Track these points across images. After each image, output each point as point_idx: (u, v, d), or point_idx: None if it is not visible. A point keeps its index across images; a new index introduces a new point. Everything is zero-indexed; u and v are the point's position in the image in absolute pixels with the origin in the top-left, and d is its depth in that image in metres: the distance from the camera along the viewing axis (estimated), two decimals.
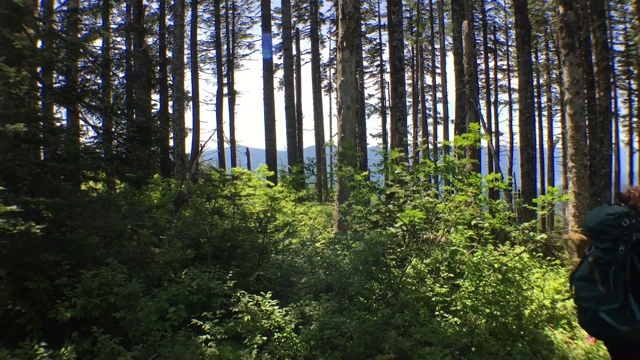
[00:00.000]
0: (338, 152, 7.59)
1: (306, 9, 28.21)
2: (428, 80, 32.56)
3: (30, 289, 3.59)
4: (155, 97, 16.10)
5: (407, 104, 21.77)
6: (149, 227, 5.60)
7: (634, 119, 24.78)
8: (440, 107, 30.67)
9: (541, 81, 28.53)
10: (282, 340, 3.67)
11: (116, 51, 15.51)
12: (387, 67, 25.80)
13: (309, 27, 27.19)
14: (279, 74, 28.07)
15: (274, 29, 25.25)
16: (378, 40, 30.00)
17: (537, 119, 25.79)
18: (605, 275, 2.38)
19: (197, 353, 3.43)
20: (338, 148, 8.11)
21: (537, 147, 23.62)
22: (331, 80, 32.40)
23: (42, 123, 4.59)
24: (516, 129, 22.37)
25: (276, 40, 26.25)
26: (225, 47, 27.55)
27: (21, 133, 3.64)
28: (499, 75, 29.69)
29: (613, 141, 18.26)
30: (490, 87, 28.21)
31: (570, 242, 7.98)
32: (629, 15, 21.38)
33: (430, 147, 29.00)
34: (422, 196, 6.78)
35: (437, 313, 4.25)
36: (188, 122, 19.04)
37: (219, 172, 6.69)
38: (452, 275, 5.08)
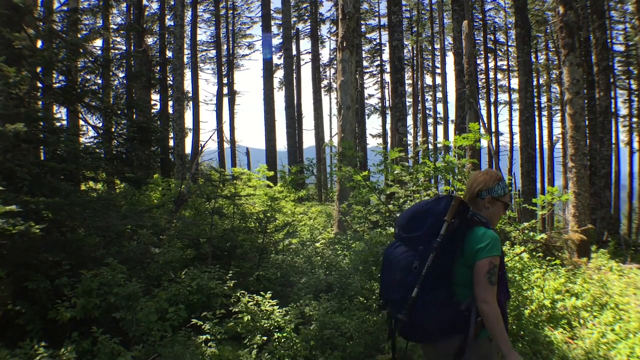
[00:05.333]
0: (338, 152, 7.58)
1: (306, 9, 28.23)
2: (428, 80, 32.61)
3: (30, 289, 3.59)
4: (155, 97, 16.13)
5: (407, 104, 21.76)
6: (149, 227, 5.59)
7: (634, 119, 24.74)
8: (440, 107, 30.72)
9: (541, 81, 28.53)
10: (282, 340, 3.67)
11: (116, 51, 15.57)
12: (387, 67, 25.81)
13: (309, 27, 27.23)
14: (279, 74, 28.10)
15: (274, 29, 25.29)
16: (378, 40, 30.04)
17: (537, 119, 25.78)
18: None
19: (197, 353, 3.43)
20: (338, 148, 8.11)
21: (537, 147, 23.61)
22: (331, 80, 32.42)
23: (42, 123, 4.58)
24: (516, 129, 22.37)
25: (276, 40, 26.29)
26: (225, 47, 27.59)
27: (21, 133, 3.64)
28: (499, 75, 29.70)
29: (613, 141, 18.23)
30: (490, 87, 28.22)
31: (570, 242, 7.98)
32: (629, 15, 21.37)
33: (430, 147, 29.00)
34: (422, 196, 6.77)
35: None
36: (188, 122, 19.07)
37: (219, 172, 6.69)
38: None
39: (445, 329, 1.85)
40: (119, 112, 5.96)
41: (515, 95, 26.22)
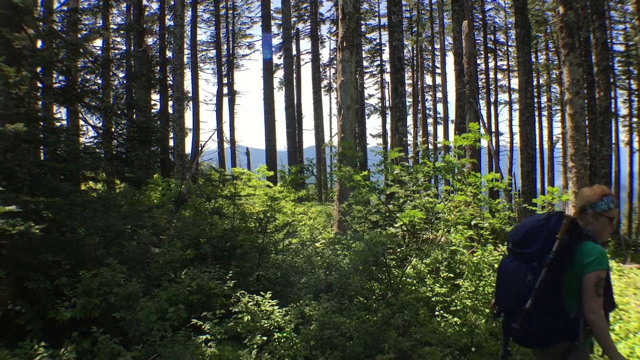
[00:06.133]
0: (338, 152, 7.59)
1: (306, 9, 28.22)
2: (428, 80, 32.61)
3: (30, 289, 3.59)
4: (155, 97, 16.10)
5: (407, 104, 21.75)
6: (149, 227, 5.59)
7: (634, 119, 24.75)
8: (440, 107, 30.73)
9: (541, 81, 28.53)
10: (282, 340, 3.67)
11: (116, 51, 15.56)
12: (387, 67, 25.82)
13: (309, 27, 27.22)
14: (279, 74, 28.10)
15: (274, 29, 25.29)
16: (378, 40, 30.03)
17: (537, 119, 25.78)
18: None
19: (197, 353, 3.43)
20: (338, 148, 8.11)
21: (537, 147, 23.61)
22: (331, 80, 32.42)
23: (42, 123, 4.58)
24: (516, 129, 22.39)
25: (276, 40, 26.29)
26: (225, 47, 27.58)
27: (21, 133, 3.64)
28: (499, 75, 29.70)
29: (613, 141, 18.23)
30: (490, 87, 28.21)
31: None
32: (629, 15, 21.37)
33: (430, 147, 29.01)
34: (422, 196, 6.78)
35: (437, 313, 4.25)
36: (188, 122, 19.07)
37: (219, 172, 6.69)
38: (452, 275, 5.08)
39: (555, 336, 2.03)
40: (119, 112, 5.96)
41: (515, 95, 26.25)
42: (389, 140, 26.05)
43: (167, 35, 17.63)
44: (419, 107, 30.55)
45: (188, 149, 18.53)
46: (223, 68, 26.39)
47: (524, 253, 2.11)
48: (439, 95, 30.91)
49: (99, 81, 6.27)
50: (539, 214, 2.26)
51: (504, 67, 29.52)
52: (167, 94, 15.69)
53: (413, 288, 4.67)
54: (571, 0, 8.92)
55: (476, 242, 5.63)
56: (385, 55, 27.97)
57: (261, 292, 4.30)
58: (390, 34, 14.00)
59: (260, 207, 7.54)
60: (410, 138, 25.49)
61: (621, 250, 10.13)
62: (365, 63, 28.42)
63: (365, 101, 25.21)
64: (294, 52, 24.70)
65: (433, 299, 4.48)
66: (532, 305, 1.99)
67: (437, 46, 30.35)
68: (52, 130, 4.67)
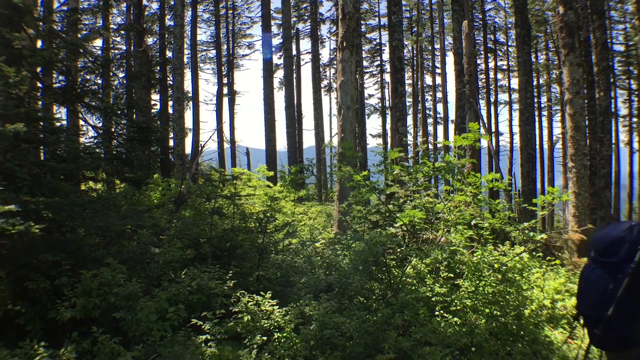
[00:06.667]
0: (338, 152, 7.59)
1: (306, 9, 28.24)
2: (428, 80, 32.63)
3: (30, 289, 3.59)
4: (155, 97, 16.11)
5: (407, 104, 21.77)
6: (149, 227, 5.58)
7: (634, 119, 24.79)
8: (440, 107, 30.75)
9: (541, 81, 28.55)
10: (282, 340, 3.67)
11: (116, 51, 15.57)
12: (387, 67, 25.82)
13: (309, 27, 27.23)
14: (279, 74, 28.11)
15: (274, 29, 25.31)
16: (378, 40, 30.05)
17: (537, 119, 25.80)
18: None
19: (197, 353, 3.42)
20: (338, 148, 8.11)
21: (537, 147, 23.63)
22: (331, 80, 32.43)
23: (42, 123, 4.58)
24: (516, 129, 22.40)
25: (276, 40, 26.30)
26: (225, 47, 27.60)
27: (21, 133, 3.64)
28: (499, 75, 29.71)
29: (613, 141, 18.26)
30: (490, 87, 28.22)
31: (570, 242, 7.98)
32: (629, 15, 21.39)
33: (430, 147, 29.01)
34: (422, 196, 6.77)
35: (437, 313, 4.25)
36: (188, 122, 19.07)
37: (218, 172, 6.69)
38: (452, 275, 5.07)
39: (633, 340, 2.16)
40: (119, 112, 5.97)
41: (515, 95, 26.26)
42: (389, 140, 26.07)
43: (167, 35, 17.63)
44: (419, 107, 30.56)
45: (188, 149, 18.55)
46: (223, 68, 26.41)
47: (606, 262, 2.23)
48: (439, 95, 30.96)
49: (99, 81, 6.28)
50: (621, 223, 2.35)
51: (504, 67, 29.56)
52: (167, 94, 15.69)
53: (413, 288, 4.67)
54: (571, 0, 8.92)
55: (476, 242, 5.63)
56: (385, 55, 28.01)
57: (261, 292, 4.30)
58: (390, 34, 14.00)
59: (260, 207, 7.54)
60: (410, 138, 25.51)
61: None
62: (365, 63, 28.44)
63: (365, 101, 25.22)
64: (294, 52, 24.72)
65: (433, 299, 4.47)
66: (613, 312, 2.13)
67: (437, 46, 30.40)
68: (52, 130, 4.68)
